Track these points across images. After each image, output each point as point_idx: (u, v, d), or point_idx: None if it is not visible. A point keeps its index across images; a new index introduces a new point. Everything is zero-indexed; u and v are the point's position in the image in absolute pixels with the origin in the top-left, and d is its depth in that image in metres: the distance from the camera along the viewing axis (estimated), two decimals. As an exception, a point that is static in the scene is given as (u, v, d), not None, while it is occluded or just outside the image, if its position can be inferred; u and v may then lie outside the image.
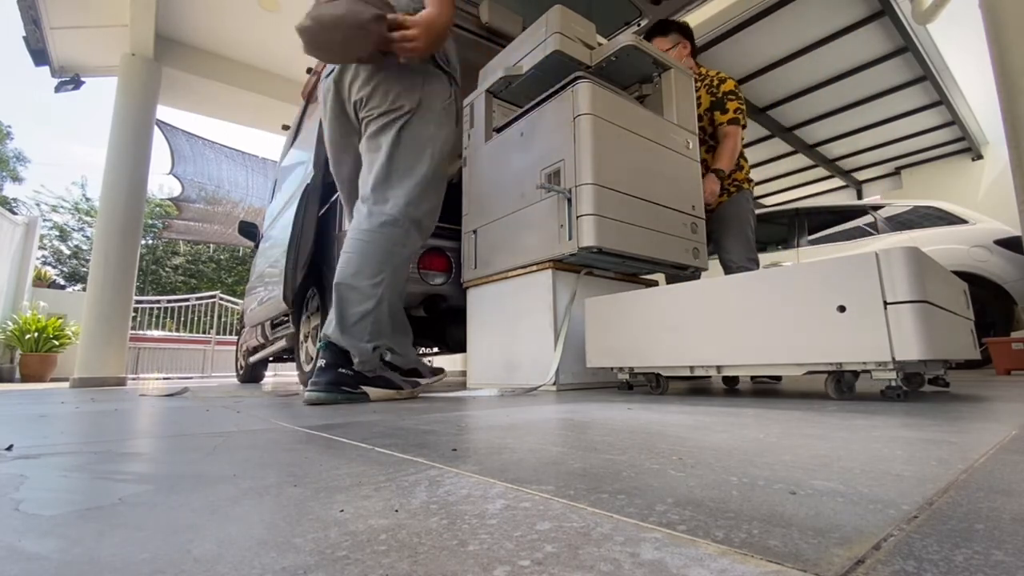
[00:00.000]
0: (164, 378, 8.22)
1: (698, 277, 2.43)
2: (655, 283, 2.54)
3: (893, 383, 1.23)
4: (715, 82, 2.67)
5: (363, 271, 1.64)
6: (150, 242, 17.51)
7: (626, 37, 2.16)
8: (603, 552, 0.31)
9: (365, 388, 1.60)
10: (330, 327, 1.66)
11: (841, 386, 1.33)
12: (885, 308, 1.20)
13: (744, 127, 2.67)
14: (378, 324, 1.63)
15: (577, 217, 1.89)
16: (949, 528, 0.34)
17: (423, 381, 1.69)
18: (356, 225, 1.73)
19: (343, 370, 1.60)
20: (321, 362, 1.63)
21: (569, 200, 1.92)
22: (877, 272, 1.22)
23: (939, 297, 1.30)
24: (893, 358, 1.17)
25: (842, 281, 1.27)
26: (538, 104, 2.14)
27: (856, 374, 1.32)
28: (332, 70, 1.88)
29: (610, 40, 2.32)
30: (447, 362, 7.21)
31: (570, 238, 1.92)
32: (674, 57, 2.51)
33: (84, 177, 17.71)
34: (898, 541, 0.32)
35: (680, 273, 2.38)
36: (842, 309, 1.26)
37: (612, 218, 1.94)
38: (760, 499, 0.42)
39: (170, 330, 9.90)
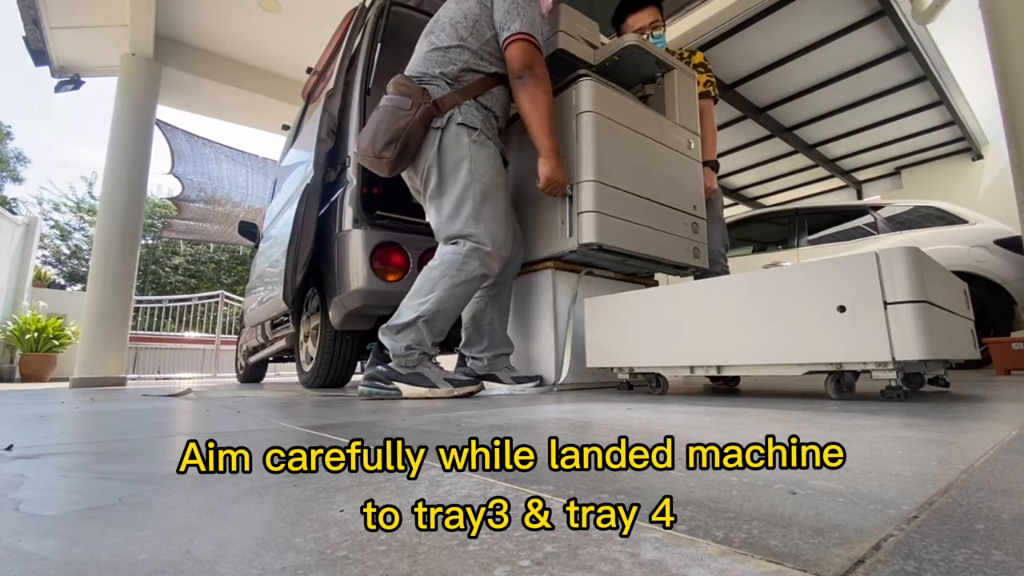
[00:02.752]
0: (165, 378, 8.21)
1: (721, 266, 2.44)
2: (655, 283, 2.54)
3: (893, 383, 1.23)
4: (685, 54, 2.72)
5: (414, 293, 1.79)
6: (150, 242, 17.50)
7: (630, 37, 2.16)
8: (603, 552, 0.31)
9: (398, 384, 1.69)
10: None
11: (841, 386, 1.33)
12: (885, 308, 1.20)
13: (716, 101, 2.70)
14: (418, 332, 1.73)
15: (578, 214, 1.89)
16: (949, 528, 0.34)
17: (459, 390, 1.71)
18: None
19: (380, 367, 1.73)
20: (371, 357, 1.80)
21: (570, 197, 1.93)
22: (877, 272, 1.22)
23: (939, 297, 1.30)
24: (893, 358, 1.17)
25: (842, 281, 1.27)
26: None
27: (856, 374, 1.32)
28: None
29: (612, 40, 2.31)
30: (447, 362, 7.21)
31: (570, 235, 1.92)
32: (662, 30, 2.52)
33: (94, 174, 17.60)
34: (898, 541, 0.32)
35: (680, 273, 2.37)
36: (842, 309, 1.26)
37: (613, 215, 1.93)
38: (760, 499, 0.42)
39: (171, 330, 9.89)
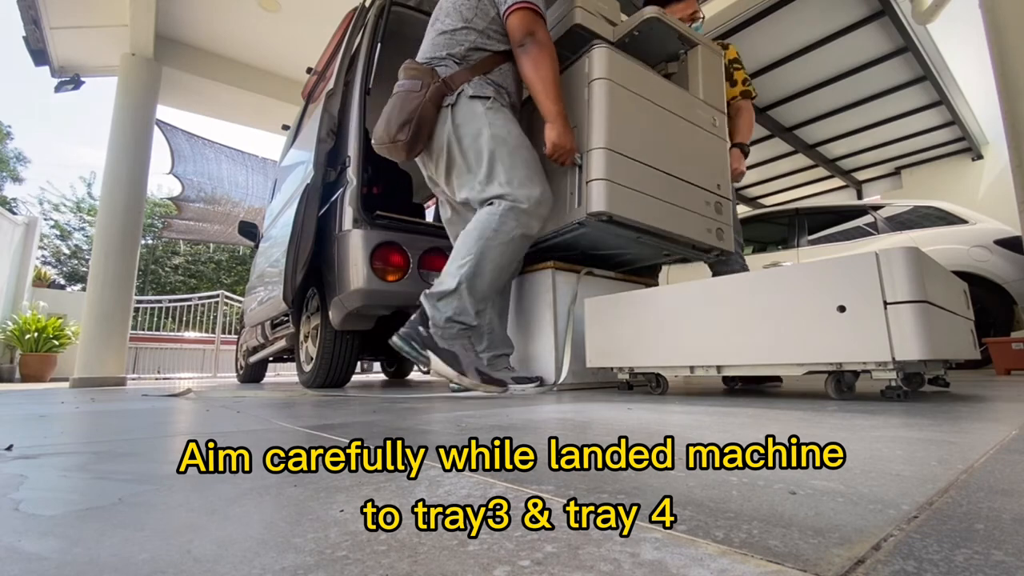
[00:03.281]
0: (165, 378, 8.21)
1: (724, 262, 2.33)
2: (655, 283, 2.54)
3: (893, 383, 1.23)
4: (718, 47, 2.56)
5: (453, 257, 1.73)
6: (150, 242, 17.50)
7: (650, 9, 2.06)
8: (603, 552, 0.31)
9: (430, 354, 1.65)
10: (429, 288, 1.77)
11: (841, 386, 1.33)
12: (885, 308, 1.20)
13: (755, 99, 2.59)
14: (460, 300, 1.67)
15: (587, 182, 1.80)
16: (949, 528, 0.34)
17: (482, 387, 1.64)
18: None
19: (421, 328, 1.69)
20: (413, 315, 1.75)
21: (579, 167, 1.84)
22: (877, 272, 1.22)
23: (939, 297, 1.30)
24: (893, 358, 1.17)
25: (842, 281, 1.27)
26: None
27: (856, 374, 1.32)
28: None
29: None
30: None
31: (578, 204, 1.82)
32: (700, 20, 2.40)
33: (93, 174, 17.57)
34: (898, 541, 0.32)
35: (703, 257, 2.27)
36: (842, 309, 1.26)
37: (625, 185, 1.83)
38: (760, 499, 0.42)
39: (171, 330, 9.88)
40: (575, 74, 1.95)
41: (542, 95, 1.78)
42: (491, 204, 1.73)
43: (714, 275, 2.35)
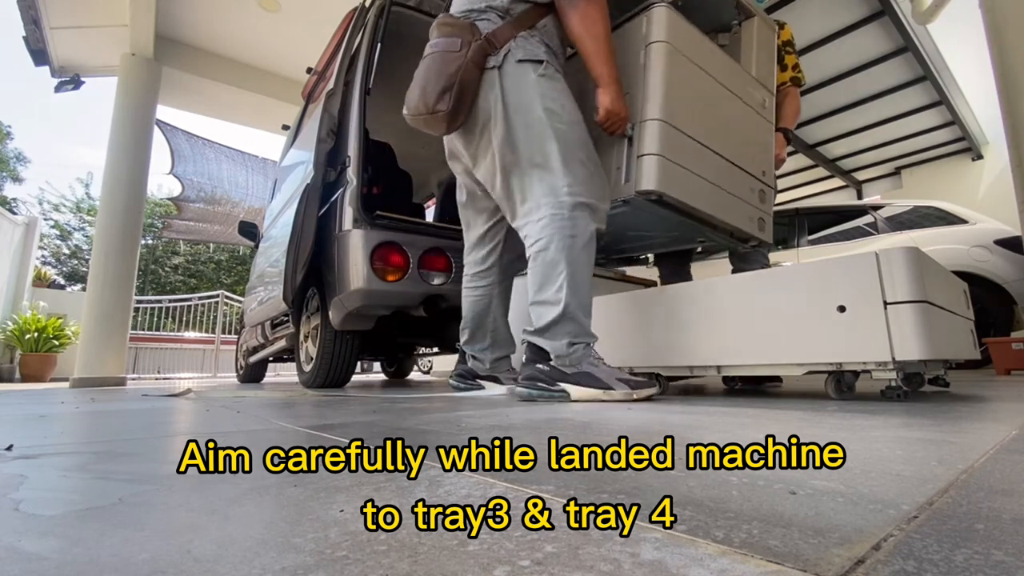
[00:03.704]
0: (165, 378, 8.21)
1: (749, 257, 2.21)
2: (654, 283, 2.54)
3: (893, 383, 1.23)
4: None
5: (541, 286, 1.52)
6: (150, 242, 17.51)
7: None
8: (603, 552, 0.31)
9: (564, 386, 1.46)
10: (529, 326, 1.58)
11: (841, 386, 1.33)
12: (885, 308, 1.20)
13: (802, 86, 2.48)
14: (572, 322, 1.48)
15: (638, 157, 1.62)
16: (949, 528, 0.34)
17: (637, 393, 1.44)
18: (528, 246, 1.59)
19: (540, 365, 1.50)
20: (524, 356, 1.57)
21: (629, 138, 1.66)
22: (877, 272, 1.22)
23: (939, 297, 1.30)
24: (893, 358, 1.17)
25: (842, 281, 1.27)
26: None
27: (856, 374, 1.32)
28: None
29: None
30: (448, 362, 7.20)
31: (626, 180, 1.65)
32: None
33: (90, 174, 17.60)
34: (898, 541, 0.32)
35: (739, 246, 2.11)
36: (842, 309, 1.26)
37: (677, 163, 1.66)
38: (760, 499, 0.42)
39: (171, 330, 9.88)
40: (626, 35, 1.77)
41: (594, 56, 1.57)
42: (550, 204, 1.51)
43: (735, 270, 2.26)
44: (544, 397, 1.46)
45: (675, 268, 2.55)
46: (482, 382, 1.93)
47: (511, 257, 1.98)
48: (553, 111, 1.54)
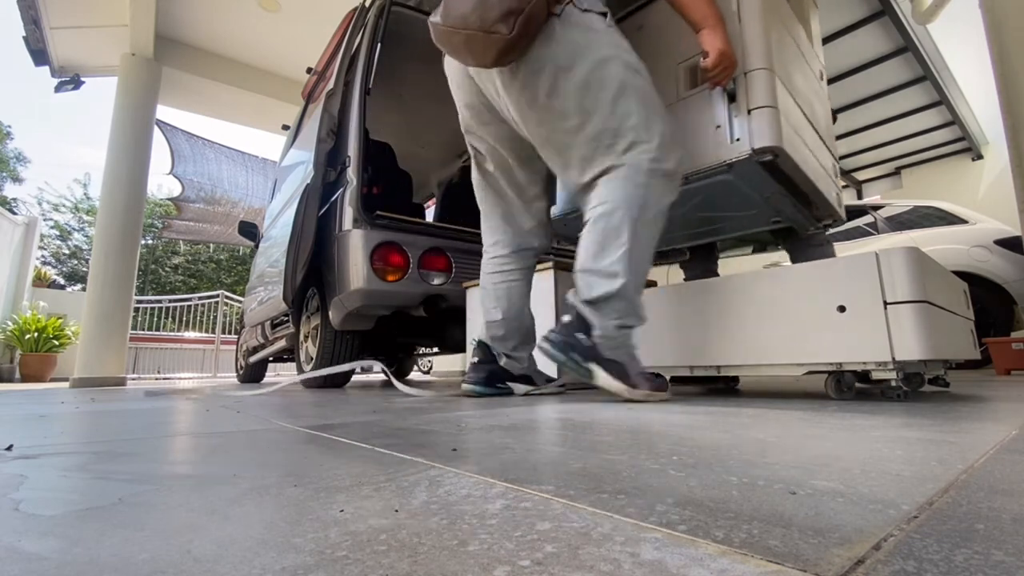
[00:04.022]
0: (165, 378, 8.21)
1: (817, 243, 2.03)
2: (654, 283, 2.54)
3: (894, 383, 1.23)
4: None
5: (597, 252, 1.35)
6: (150, 242, 17.52)
7: None
8: (603, 552, 0.31)
9: (593, 367, 1.33)
10: (575, 293, 1.41)
11: (841, 386, 1.33)
12: (885, 308, 1.20)
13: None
14: (623, 301, 1.33)
15: (748, 111, 1.44)
16: (949, 528, 0.34)
17: (655, 395, 1.35)
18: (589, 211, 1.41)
19: (581, 336, 1.35)
20: (565, 317, 1.41)
21: (731, 93, 1.48)
22: (877, 272, 1.22)
23: (939, 297, 1.30)
24: (893, 358, 1.17)
25: (842, 281, 1.28)
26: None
27: (856, 374, 1.32)
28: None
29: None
30: (447, 362, 7.21)
31: (734, 140, 1.46)
32: None
33: (88, 175, 17.64)
34: (898, 541, 0.32)
35: (813, 226, 1.91)
36: (842, 309, 1.26)
37: (787, 121, 1.49)
38: (760, 499, 0.42)
39: (171, 330, 9.88)
40: None
41: None
42: (622, 166, 1.34)
43: (795, 260, 2.08)
44: (569, 367, 1.34)
45: (706, 266, 2.32)
46: (512, 384, 1.73)
47: (545, 241, 1.82)
48: (631, 65, 1.38)
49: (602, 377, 1.32)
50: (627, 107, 1.35)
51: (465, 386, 1.72)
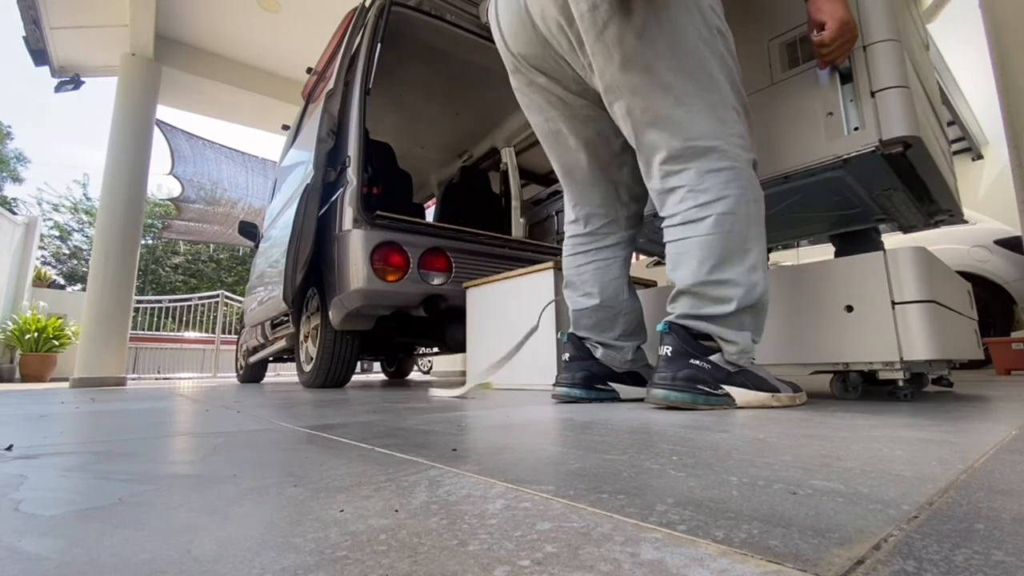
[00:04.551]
0: (165, 378, 8.21)
1: (877, 231, 1.79)
2: (654, 283, 2.54)
3: (901, 383, 1.22)
4: None
5: (719, 262, 1.12)
6: (150, 242, 17.52)
7: None
8: (603, 552, 0.31)
9: (729, 388, 1.12)
10: (678, 303, 1.18)
11: (847, 386, 1.33)
12: (893, 308, 1.19)
13: None
14: (756, 313, 1.15)
15: (872, 93, 1.19)
16: (949, 528, 0.34)
17: (798, 396, 1.18)
18: (676, 210, 1.17)
19: (697, 362, 1.13)
20: (665, 350, 1.16)
21: (846, 73, 1.24)
22: (885, 272, 1.21)
23: (946, 297, 1.30)
24: (901, 358, 1.17)
25: (850, 281, 1.27)
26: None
27: (863, 374, 1.31)
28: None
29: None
30: (447, 362, 7.21)
31: (851, 129, 1.23)
32: None
33: (87, 176, 17.69)
34: (898, 541, 0.32)
35: (926, 223, 1.72)
36: (849, 309, 1.26)
37: (918, 103, 1.24)
38: (760, 499, 0.42)
39: (171, 330, 9.89)
40: None
41: None
42: (727, 151, 1.13)
43: (842, 254, 1.75)
44: (708, 404, 1.11)
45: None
46: (616, 386, 1.46)
47: (637, 206, 1.54)
48: (724, 34, 1.17)
49: (742, 395, 1.13)
50: (720, 79, 1.14)
51: (558, 389, 1.44)
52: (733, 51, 1.20)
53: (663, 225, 1.22)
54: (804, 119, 1.31)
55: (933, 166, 1.32)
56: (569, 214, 1.59)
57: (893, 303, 1.19)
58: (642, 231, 1.63)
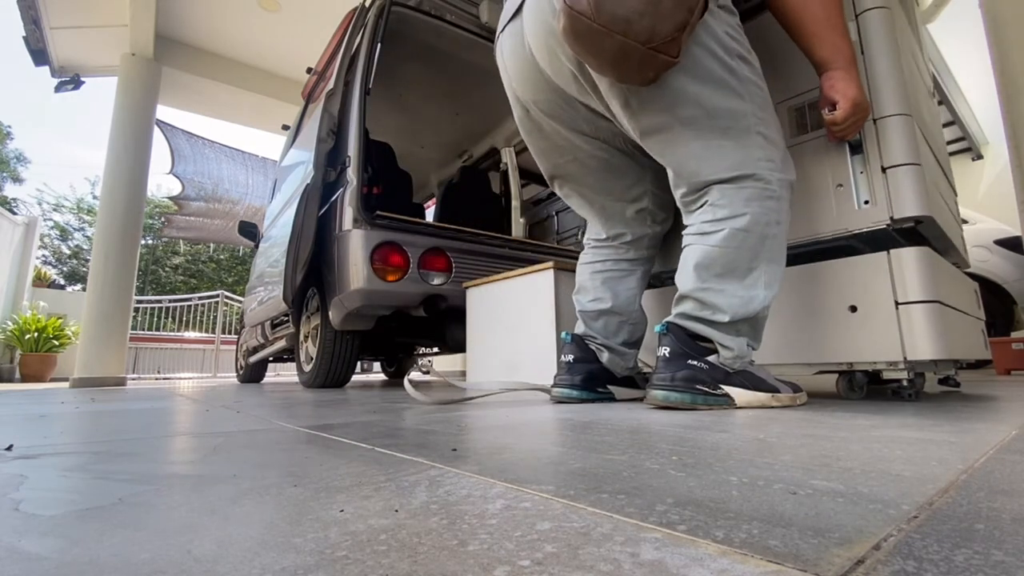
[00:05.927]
0: (165, 378, 8.21)
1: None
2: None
3: (905, 383, 1.22)
4: None
5: (725, 272, 1.15)
6: (150, 242, 17.53)
7: None
8: (603, 552, 0.31)
9: (728, 389, 1.14)
10: (678, 307, 1.21)
11: (852, 386, 1.33)
12: (897, 308, 1.19)
13: None
14: (754, 324, 1.17)
15: (883, 169, 1.21)
16: (949, 528, 0.34)
17: (798, 397, 1.20)
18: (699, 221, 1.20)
19: (695, 362, 1.14)
20: (663, 351, 1.17)
21: (855, 146, 1.24)
22: (889, 272, 1.21)
23: (951, 297, 1.29)
24: (905, 358, 1.17)
25: (853, 281, 1.27)
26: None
27: (867, 374, 1.31)
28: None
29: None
30: (447, 362, 7.20)
31: (863, 203, 1.23)
32: None
33: (96, 176, 17.74)
34: (898, 541, 0.32)
35: None
36: (853, 309, 1.26)
37: (929, 177, 1.24)
38: (760, 499, 0.42)
39: (171, 330, 9.89)
40: None
41: (824, 25, 1.15)
42: (754, 175, 1.13)
43: None
44: (707, 404, 1.12)
45: None
46: (613, 388, 1.50)
47: (663, 228, 1.57)
48: (746, 58, 1.17)
49: (741, 395, 1.15)
50: (760, 109, 1.17)
51: (557, 391, 1.44)
52: (759, 72, 1.20)
53: (683, 233, 1.25)
54: (814, 189, 1.32)
55: (945, 237, 1.34)
56: (593, 226, 1.62)
57: (897, 303, 1.19)
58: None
